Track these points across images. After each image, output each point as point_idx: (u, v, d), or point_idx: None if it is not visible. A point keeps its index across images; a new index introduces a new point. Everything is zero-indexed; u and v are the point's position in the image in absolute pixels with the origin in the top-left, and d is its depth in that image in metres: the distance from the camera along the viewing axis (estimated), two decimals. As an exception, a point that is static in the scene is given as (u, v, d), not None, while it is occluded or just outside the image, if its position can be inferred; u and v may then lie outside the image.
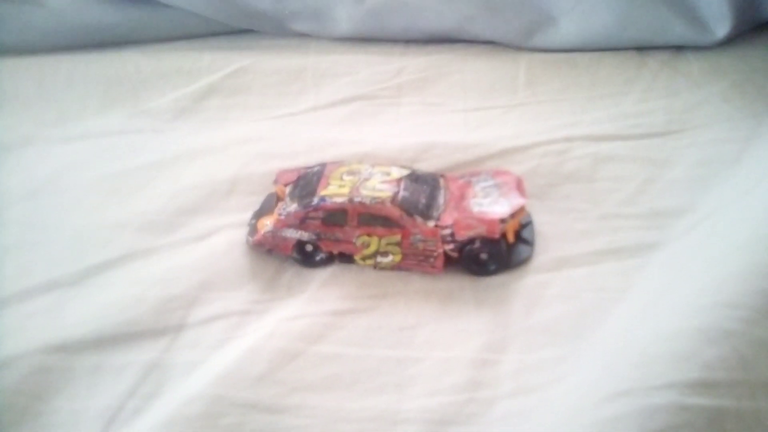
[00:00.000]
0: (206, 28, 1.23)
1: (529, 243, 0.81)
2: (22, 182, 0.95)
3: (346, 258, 0.80)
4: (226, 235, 0.85)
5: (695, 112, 1.01)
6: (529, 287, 0.78)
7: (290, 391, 0.68)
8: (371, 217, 0.77)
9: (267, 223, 0.81)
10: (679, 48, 1.13)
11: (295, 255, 0.80)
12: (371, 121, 1.04)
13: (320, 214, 0.78)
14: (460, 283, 0.78)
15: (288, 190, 0.83)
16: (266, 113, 1.07)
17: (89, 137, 1.03)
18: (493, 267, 0.78)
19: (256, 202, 0.87)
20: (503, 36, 1.16)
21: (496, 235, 0.77)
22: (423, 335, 0.74)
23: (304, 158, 0.93)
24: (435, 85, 1.10)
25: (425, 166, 0.89)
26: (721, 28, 1.10)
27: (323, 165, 0.85)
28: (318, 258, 0.80)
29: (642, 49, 1.13)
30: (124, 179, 0.95)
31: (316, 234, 0.79)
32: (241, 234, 0.84)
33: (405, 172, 0.82)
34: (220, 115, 1.07)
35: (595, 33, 1.13)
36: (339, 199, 0.78)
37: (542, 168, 0.92)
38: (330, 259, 0.80)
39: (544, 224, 0.84)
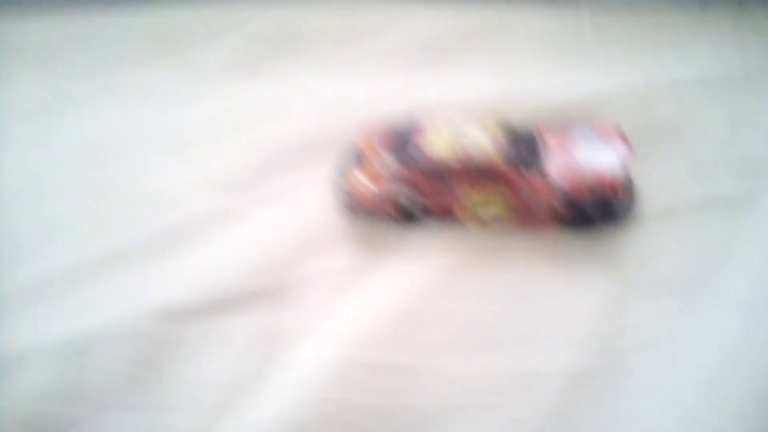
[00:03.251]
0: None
1: (633, 196, 0.79)
2: (74, 143, 0.90)
3: (449, 214, 0.77)
4: (311, 192, 0.82)
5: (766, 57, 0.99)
6: (637, 240, 0.77)
7: (415, 350, 0.67)
8: (477, 172, 0.74)
9: (363, 180, 0.77)
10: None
11: (395, 213, 0.77)
12: (435, 72, 1.01)
13: (424, 168, 0.75)
14: (569, 238, 0.77)
15: (381, 144, 0.80)
16: (324, 65, 1.03)
17: (137, 90, 0.98)
18: (601, 221, 0.76)
19: (334, 157, 0.84)
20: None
21: (609, 190, 0.75)
22: (537, 289, 0.73)
23: (371, 110, 0.90)
24: (499, 37, 1.06)
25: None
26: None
27: (415, 118, 0.81)
28: (419, 215, 0.77)
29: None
30: (185, 137, 0.90)
31: (418, 190, 0.76)
32: (327, 191, 0.80)
33: (501, 123, 0.79)
34: (276, 68, 1.03)
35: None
36: (443, 154, 0.74)
37: (627, 117, 0.90)
38: (431, 216, 0.77)
39: (639, 175, 0.82)
